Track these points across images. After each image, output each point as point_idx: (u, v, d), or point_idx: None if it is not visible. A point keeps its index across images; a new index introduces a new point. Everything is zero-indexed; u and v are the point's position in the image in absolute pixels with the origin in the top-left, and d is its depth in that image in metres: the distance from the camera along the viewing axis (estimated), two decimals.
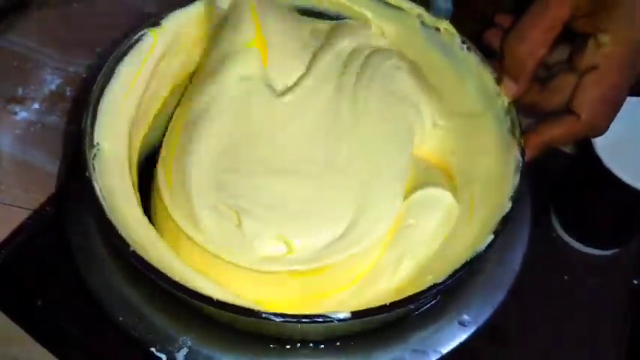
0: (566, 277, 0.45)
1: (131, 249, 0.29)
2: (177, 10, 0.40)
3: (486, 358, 0.41)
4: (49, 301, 0.39)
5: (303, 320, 0.27)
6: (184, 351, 0.32)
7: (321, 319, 0.27)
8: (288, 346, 0.32)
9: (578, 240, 0.46)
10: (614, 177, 0.39)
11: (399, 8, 0.41)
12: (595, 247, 0.46)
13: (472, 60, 0.38)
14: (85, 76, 0.53)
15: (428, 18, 0.40)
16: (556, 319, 0.43)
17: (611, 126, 0.35)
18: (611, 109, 0.34)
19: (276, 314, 0.27)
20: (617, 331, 0.43)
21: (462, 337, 0.33)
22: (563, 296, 0.44)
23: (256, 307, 0.27)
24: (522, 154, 0.34)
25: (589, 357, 0.42)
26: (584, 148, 0.41)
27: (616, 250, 0.46)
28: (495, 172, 0.35)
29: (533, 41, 0.34)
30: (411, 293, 0.28)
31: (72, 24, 0.56)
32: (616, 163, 0.39)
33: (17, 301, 0.40)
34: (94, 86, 0.35)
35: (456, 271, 0.28)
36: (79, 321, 0.38)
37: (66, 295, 0.39)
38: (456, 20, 0.55)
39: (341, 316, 0.27)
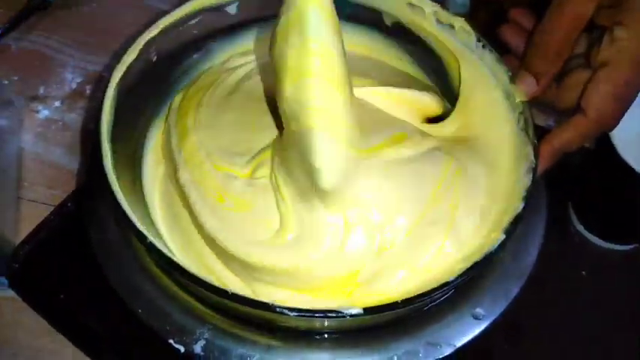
0: (584, 273, 0.45)
1: (148, 240, 0.30)
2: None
3: (502, 353, 0.40)
4: (71, 295, 0.40)
5: (317, 315, 0.27)
6: (202, 342, 0.32)
7: (334, 314, 0.27)
8: (303, 338, 0.32)
9: (597, 235, 0.46)
10: (632, 170, 0.38)
11: (413, 5, 0.41)
12: (614, 241, 0.45)
13: (487, 58, 0.38)
14: (104, 74, 0.54)
15: (443, 15, 0.40)
16: (574, 315, 0.43)
17: (629, 119, 0.34)
18: (621, 105, 0.33)
19: (290, 309, 0.27)
20: (636, 326, 0.43)
21: (476, 330, 0.33)
22: (581, 291, 0.44)
23: (270, 302, 0.27)
24: (536, 154, 0.33)
25: (609, 352, 0.42)
26: (602, 141, 0.40)
27: (636, 244, 0.46)
28: (509, 168, 0.35)
29: (561, 41, 0.33)
30: None
31: (92, 24, 0.58)
32: (634, 156, 0.38)
33: (41, 294, 0.42)
34: (109, 84, 0.36)
35: (467, 271, 0.28)
36: (99, 313, 0.39)
37: (87, 288, 0.40)
38: (471, 11, 0.55)
39: (353, 311, 0.27)
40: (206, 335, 0.32)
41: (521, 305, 0.36)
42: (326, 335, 0.33)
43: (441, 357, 0.32)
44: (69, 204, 0.45)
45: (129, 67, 0.37)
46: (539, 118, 0.38)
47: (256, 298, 0.28)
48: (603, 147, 0.40)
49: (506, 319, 0.35)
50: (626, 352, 0.42)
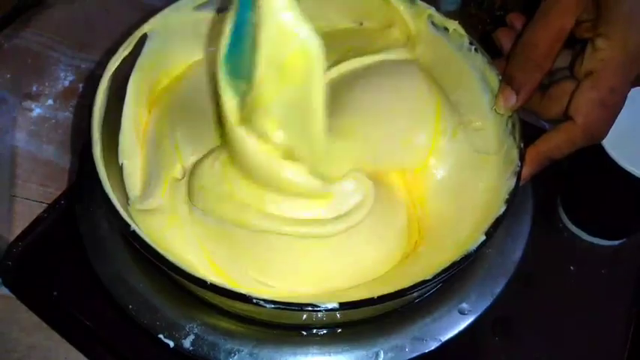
0: (572, 268, 0.45)
1: (131, 228, 0.30)
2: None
3: (491, 347, 0.41)
4: (63, 292, 0.41)
5: (292, 307, 0.27)
6: (191, 337, 0.32)
7: (309, 308, 0.27)
8: (290, 333, 0.33)
9: (586, 230, 0.46)
10: (619, 167, 0.39)
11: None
12: (602, 237, 0.46)
13: (479, 61, 0.38)
14: (97, 72, 0.54)
15: (438, 18, 0.40)
16: (563, 310, 0.43)
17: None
18: (608, 113, 0.33)
19: (266, 300, 0.27)
20: (624, 321, 0.43)
21: (462, 325, 0.33)
22: (570, 287, 0.44)
23: (247, 293, 0.28)
24: (521, 157, 0.33)
25: (596, 346, 0.43)
26: None
27: (623, 240, 0.46)
28: (495, 172, 0.35)
29: (541, 54, 0.33)
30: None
31: (85, 21, 0.58)
32: (621, 152, 0.39)
33: (34, 291, 0.42)
34: (103, 76, 0.36)
35: (445, 270, 0.29)
36: (91, 310, 0.39)
37: (79, 285, 0.40)
38: (463, 9, 0.56)
39: (329, 306, 0.27)
40: (195, 330, 0.33)
41: (509, 299, 0.36)
42: (314, 330, 0.33)
43: (426, 351, 0.32)
44: (62, 201, 0.45)
45: (123, 61, 0.37)
46: (531, 116, 0.38)
47: (234, 289, 0.28)
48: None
49: (494, 314, 0.36)
50: (614, 346, 0.43)
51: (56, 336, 0.41)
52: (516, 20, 0.38)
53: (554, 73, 0.36)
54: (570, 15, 0.32)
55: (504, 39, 0.38)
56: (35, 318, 0.41)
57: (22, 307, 0.42)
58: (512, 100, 0.35)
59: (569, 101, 0.33)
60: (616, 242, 0.46)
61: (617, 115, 0.33)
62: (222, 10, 0.41)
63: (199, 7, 0.40)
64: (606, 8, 0.32)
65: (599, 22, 0.32)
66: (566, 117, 0.34)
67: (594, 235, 0.46)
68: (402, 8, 0.41)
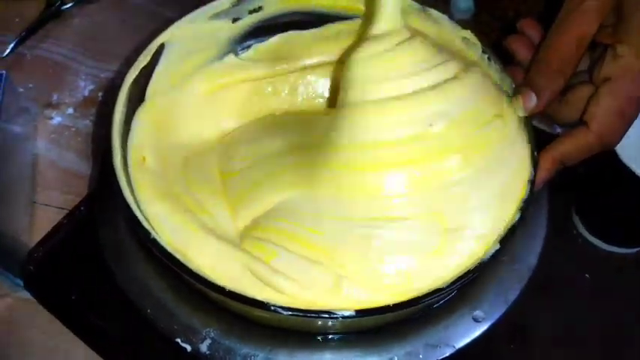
0: (587, 276, 0.45)
1: (152, 236, 0.31)
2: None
3: (506, 355, 0.41)
4: (83, 296, 0.41)
5: (310, 315, 0.27)
6: (207, 342, 0.33)
7: (326, 315, 0.27)
8: (305, 339, 0.33)
9: (600, 238, 0.46)
10: (633, 173, 0.39)
11: None
12: (617, 245, 0.46)
13: (492, 70, 0.38)
14: (116, 81, 0.55)
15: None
16: (578, 318, 0.43)
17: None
18: (624, 121, 0.32)
19: (284, 307, 0.27)
20: None
21: (476, 332, 0.33)
22: (585, 295, 0.44)
23: (264, 300, 0.28)
24: (535, 165, 0.33)
25: (612, 355, 0.42)
26: None
27: (639, 248, 0.46)
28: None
29: (564, 59, 0.33)
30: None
31: (104, 31, 0.59)
32: (635, 160, 0.39)
33: (54, 295, 0.43)
34: (122, 86, 0.37)
35: (459, 279, 0.29)
36: (109, 314, 0.40)
37: (98, 289, 0.41)
38: (476, 17, 0.56)
39: (346, 313, 0.27)
40: (212, 335, 0.33)
41: (524, 308, 0.36)
42: (328, 336, 0.33)
43: (441, 358, 0.32)
44: (82, 208, 0.46)
45: (141, 71, 0.38)
46: (545, 123, 0.38)
47: (252, 297, 0.28)
48: (605, 151, 0.40)
49: (509, 321, 0.36)
50: (630, 355, 0.42)
51: (75, 339, 0.41)
52: (528, 27, 0.38)
53: (572, 77, 0.36)
54: (593, 21, 0.32)
55: (515, 45, 0.38)
56: (55, 321, 0.42)
57: (43, 311, 0.43)
58: (533, 101, 0.34)
59: (587, 106, 0.33)
60: (631, 250, 0.46)
61: (632, 122, 0.33)
62: (237, 19, 0.42)
63: (214, 17, 0.41)
64: (628, 15, 0.31)
65: (620, 29, 0.32)
66: (581, 121, 0.34)
67: (609, 243, 0.46)
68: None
